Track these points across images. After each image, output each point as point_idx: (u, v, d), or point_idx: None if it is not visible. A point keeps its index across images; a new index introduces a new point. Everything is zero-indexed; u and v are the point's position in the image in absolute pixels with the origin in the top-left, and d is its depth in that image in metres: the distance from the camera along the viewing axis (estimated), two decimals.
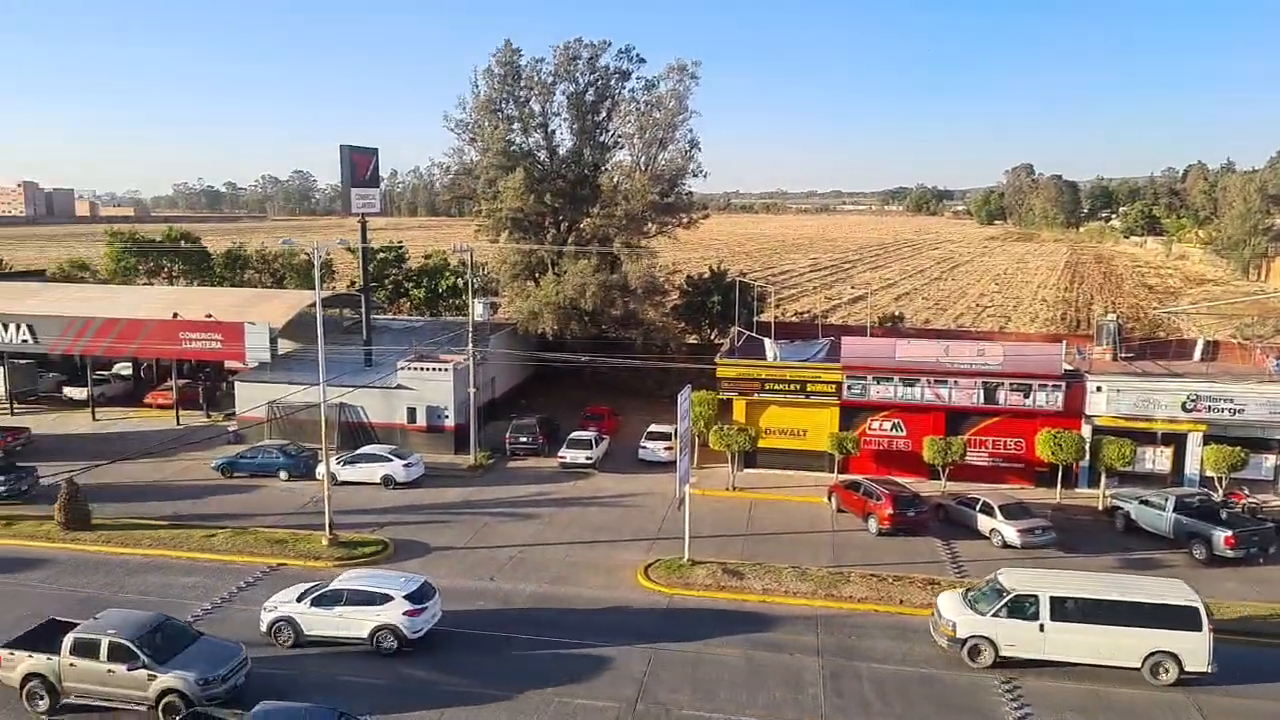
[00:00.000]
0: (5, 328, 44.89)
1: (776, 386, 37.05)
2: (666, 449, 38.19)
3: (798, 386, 36.88)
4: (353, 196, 43.09)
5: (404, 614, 22.17)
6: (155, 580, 26.85)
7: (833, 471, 36.05)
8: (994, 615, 21.68)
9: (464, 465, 38.16)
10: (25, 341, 45.02)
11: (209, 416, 45.30)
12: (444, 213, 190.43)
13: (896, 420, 36.49)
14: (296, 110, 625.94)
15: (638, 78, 48.67)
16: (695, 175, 48.86)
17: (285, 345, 45.78)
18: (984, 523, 30.59)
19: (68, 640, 19.86)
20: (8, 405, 46.10)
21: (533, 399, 48.22)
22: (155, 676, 19.40)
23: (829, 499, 33.92)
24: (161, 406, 46.41)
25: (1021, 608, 21.57)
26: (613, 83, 48.23)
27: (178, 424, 43.90)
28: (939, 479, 34.64)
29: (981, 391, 35.46)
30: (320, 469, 33.43)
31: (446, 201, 62.86)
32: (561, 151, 49.60)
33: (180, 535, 29.81)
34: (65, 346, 45.08)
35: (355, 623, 22.30)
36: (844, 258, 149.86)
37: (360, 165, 43.41)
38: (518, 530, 31.31)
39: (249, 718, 17.50)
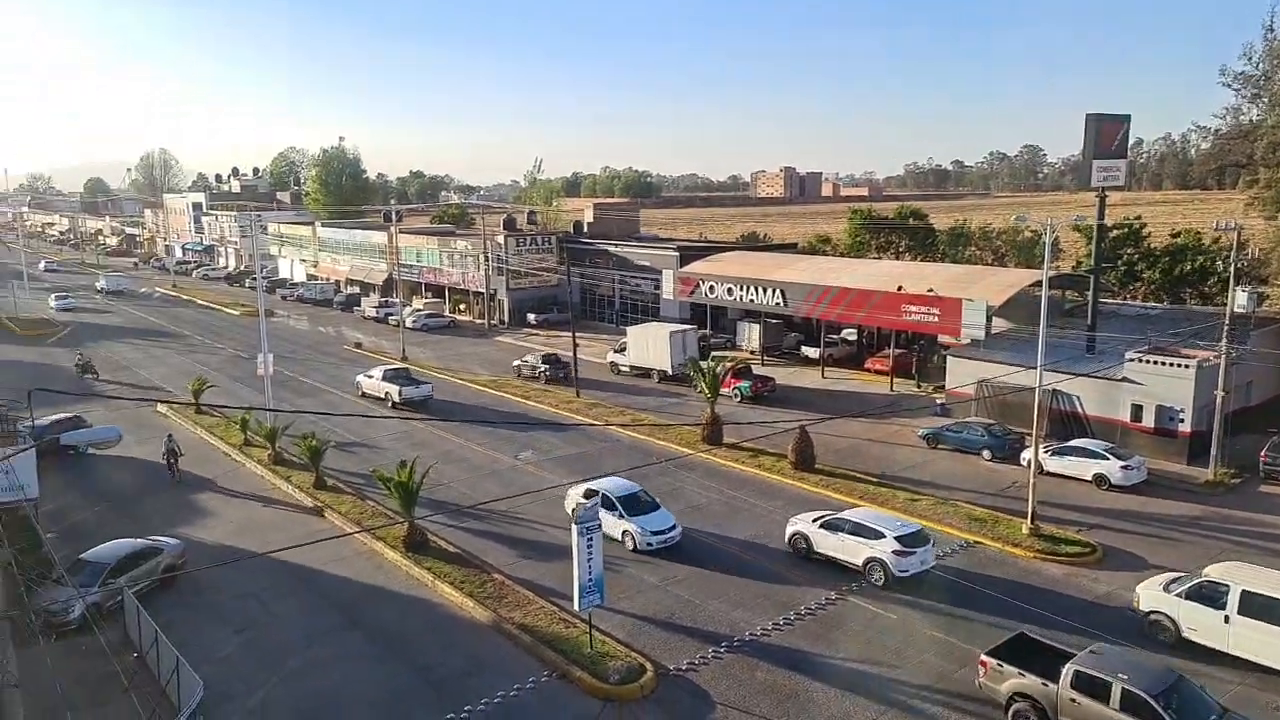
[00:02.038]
0: (763, 291, 53.20)
1: None
2: None
3: None
4: (1094, 169, 39.62)
5: (893, 552, 24.38)
6: None
7: None
8: (1177, 595, 21.15)
9: (1198, 479, 32.53)
10: (777, 304, 52.73)
11: (919, 386, 47.10)
12: (1197, 185, 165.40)
13: None
14: (1032, 84, 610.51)
15: None
16: None
17: (1000, 324, 44.89)
18: None
19: (1068, 672, 17.84)
20: (759, 357, 54.61)
21: None
22: None
23: None
24: (878, 372, 49.84)
25: (1209, 594, 20.68)
26: None
27: (890, 390, 46.67)
28: None
29: None
30: (1026, 454, 31.98)
31: (1205, 171, 53.97)
32: None
33: (886, 493, 31.57)
34: (805, 310, 51.45)
35: (852, 550, 25.26)
36: None
37: (1107, 135, 39.63)
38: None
39: None
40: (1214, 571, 21.41)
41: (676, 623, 23.04)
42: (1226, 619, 20.30)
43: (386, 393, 45.35)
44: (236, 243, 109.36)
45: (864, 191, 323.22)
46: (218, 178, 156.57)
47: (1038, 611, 23.15)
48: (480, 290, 72.61)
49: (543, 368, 50.54)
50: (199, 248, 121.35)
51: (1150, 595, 21.91)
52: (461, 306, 76.30)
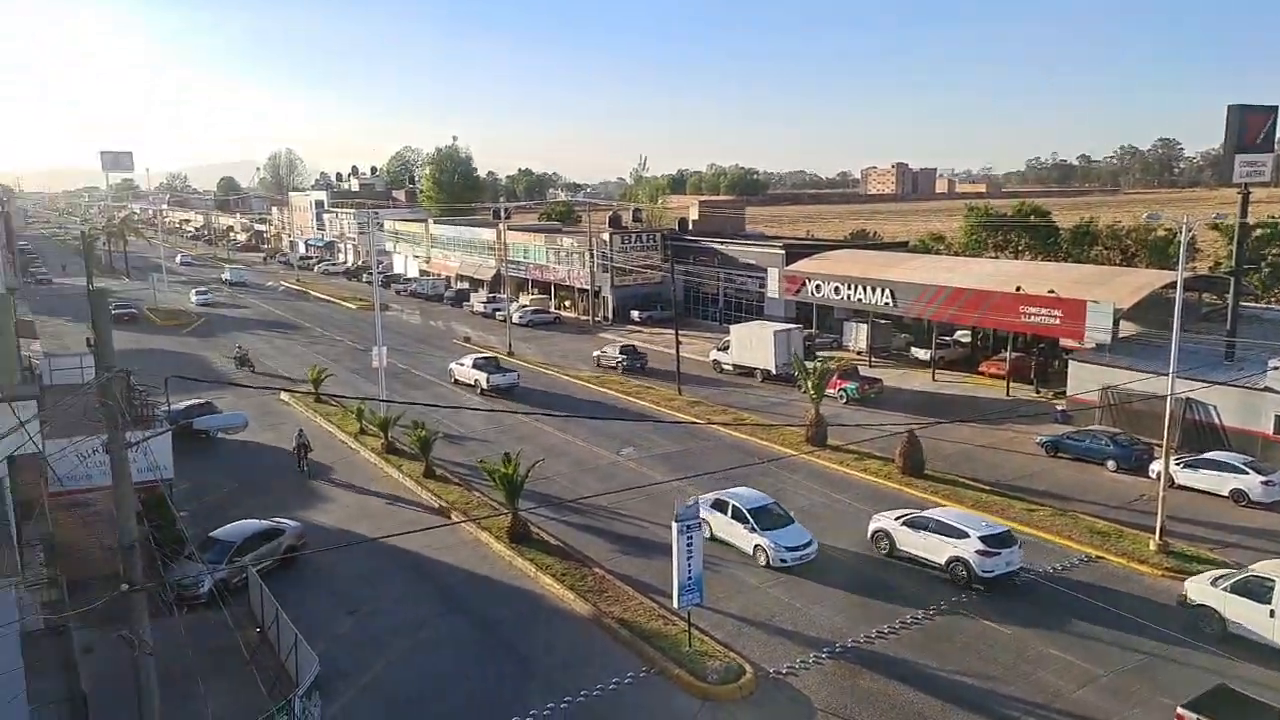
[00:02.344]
0: (872, 290, 51.94)
1: None
2: None
3: None
4: (1236, 164, 37.09)
5: (976, 552, 23.96)
6: None
7: None
8: (1224, 589, 21.38)
9: None
10: (886, 304, 51.40)
11: (1038, 392, 45.09)
12: None
13: None
14: (1172, 73, 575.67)
15: None
16: None
17: (1128, 328, 42.61)
18: None
19: None
20: (867, 358, 53.35)
21: None
22: None
23: None
24: (993, 376, 47.99)
25: (1254, 589, 20.93)
26: None
27: (1007, 395, 44.86)
28: None
29: None
30: (1155, 466, 30.19)
31: None
32: None
33: (1001, 502, 30.30)
34: (917, 311, 49.97)
35: (935, 548, 24.94)
36: None
37: (1251, 128, 37.05)
38: None
39: None
40: (1261, 568, 21.76)
41: (777, 625, 22.70)
42: (1271, 613, 20.63)
43: (476, 379, 48.14)
44: (355, 239, 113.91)
45: (982, 188, 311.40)
46: (338, 176, 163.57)
47: (1164, 631, 21.83)
48: (585, 287, 73.44)
49: (620, 358, 53.23)
50: (320, 244, 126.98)
51: (1198, 589, 22.19)
52: (566, 303, 77.36)
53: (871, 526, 27.07)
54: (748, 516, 26.39)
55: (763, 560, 25.77)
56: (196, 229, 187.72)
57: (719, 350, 53.13)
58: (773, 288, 61.31)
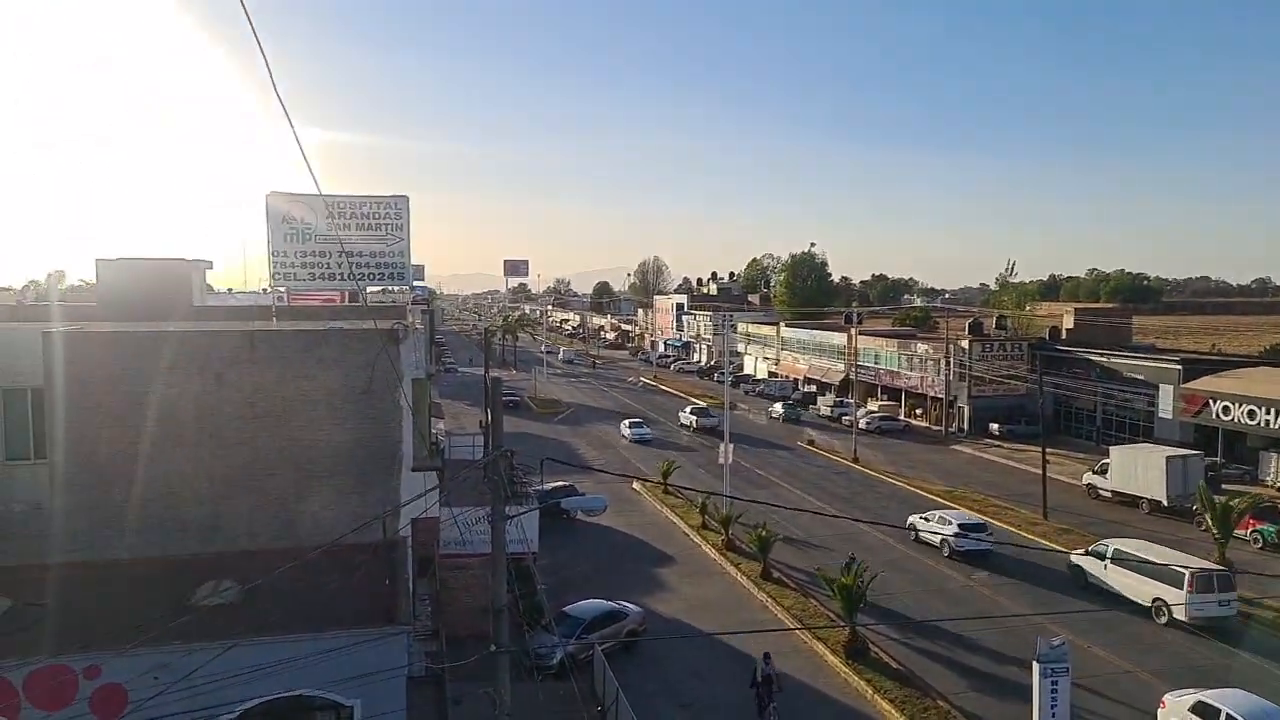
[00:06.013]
0: None
1: None
2: None
3: None
4: None
5: (954, 534, 35.80)
6: None
7: None
8: (1083, 554, 32.88)
9: None
10: None
11: None
12: None
13: None
14: None
15: None
16: None
17: None
18: None
19: None
20: None
21: None
22: None
23: None
24: None
25: (1098, 551, 32.02)
26: None
27: None
28: None
29: None
30: None
31: None
32: None
33: None
34: None
35: (938, 533, 36.40)
36: None
37: None
38: None
39: None
40: (1109, 540, 32.43)
41: None
42: (1105, 566, 31.23)
43: (691, 420, 65.14)
44: (709, 340, 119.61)
45: None
46: (698, 281, 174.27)
47: None
48: (938, 395, 69.93)
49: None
50: (678, 344, 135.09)
51: (1074, 556, 33.21)
52: (918, 411, 74.10)
53: (909, 519, 38.54)
54: None
55: None
56: (573, 328, 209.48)
57: (1095, 473, 47.39)
58: (1165, 407, 53.89)
